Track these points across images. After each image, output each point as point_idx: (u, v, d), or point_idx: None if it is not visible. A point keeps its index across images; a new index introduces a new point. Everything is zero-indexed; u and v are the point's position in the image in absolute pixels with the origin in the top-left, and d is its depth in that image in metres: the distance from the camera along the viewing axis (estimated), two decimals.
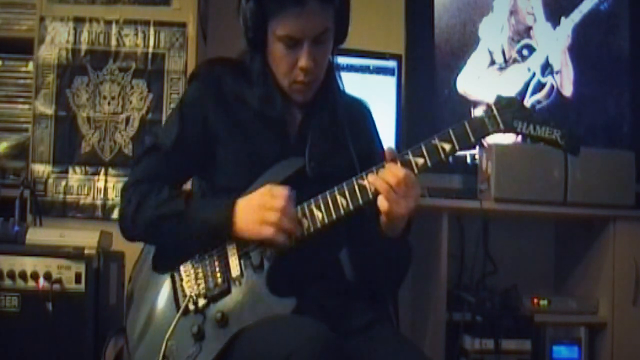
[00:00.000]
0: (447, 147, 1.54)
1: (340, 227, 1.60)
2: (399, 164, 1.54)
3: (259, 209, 1.53)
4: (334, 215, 1.54)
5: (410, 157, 1.55)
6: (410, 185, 1.52)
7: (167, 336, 1.53)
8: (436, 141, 1.54)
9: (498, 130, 1.56)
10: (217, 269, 1.58)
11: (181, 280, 1.60)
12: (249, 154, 1.64)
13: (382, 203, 1.51)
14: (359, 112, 1.80)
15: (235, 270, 1.57)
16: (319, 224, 1.55)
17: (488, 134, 1.56)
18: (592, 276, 3.01)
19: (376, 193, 1.53)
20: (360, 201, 1.54)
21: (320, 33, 1.59)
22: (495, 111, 1.55)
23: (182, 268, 1.61)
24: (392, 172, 1.51)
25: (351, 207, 1.54)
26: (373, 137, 1.80)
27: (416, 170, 1.54)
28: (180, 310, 1.56)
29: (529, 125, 1.55)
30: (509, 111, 1.55)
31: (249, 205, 1.55)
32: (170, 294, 1.61)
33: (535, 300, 2.95)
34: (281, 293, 1.54)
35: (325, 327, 1.44)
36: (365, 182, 1.54)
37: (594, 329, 2.96)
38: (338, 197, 1.54)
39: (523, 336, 2.79)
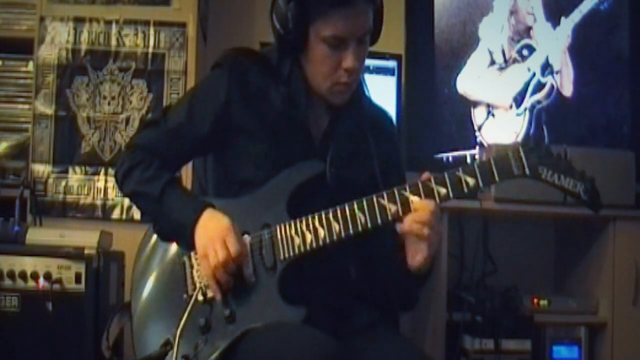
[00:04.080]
0: (471, 181, 1.52)
1: (354, 240, 1.58)
2: (425, 199, 1.52)
3: (211, 241, 1.53)
4: (350, 230, 1.53)
5: (433, 185, 1.53)
6: (438, 219, 1.52)
7: (180, 328, 1.52)
8: (460, 173, 1.52)
9: (523, 175, 1.54)
10: None
11: (192, 267, 1.61)
12: (273, 150, 1.63)
13: (426, 246, 1.51)
14: (383, 123, 1.80)
15: (247, 267, 1.56)
16: (335, 236, 1.54)
17: (513, 177, 1.54)
18: (592, 276, 3.01)
19: (398, 218, 1.52)
20: (379, 220, 1.53)
21: (365, 33, 1.59)
22: (522, 153, 1.53)
23: (193, 255, 1.61)
24: (430, 210, 1.50)
25: (369, 225, 1.53)
26: (395, 150, 1.79)
27: (438, 200, 1.53)
28: (191, 303, 1.55)
29: (553, 174, 1.53)
30: (535, 155, 1.53)
31: (207, 227, 1.55)
32: (180, 280, 1.61)
33: (535, 300, 2.94)
34: (290, 297, 1.53)
35: (332, 341, 1.44)
36: (385, 203, 1.53)
37: (594, 329, 2.96)
38: (357, 212, 1.53)
39: (523, 336, 2.79)
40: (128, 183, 1.65)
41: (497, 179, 1.52)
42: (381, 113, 1.81)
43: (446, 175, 1.52)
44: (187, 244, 1.59)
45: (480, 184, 1.52)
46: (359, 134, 1.68)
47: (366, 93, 1.75)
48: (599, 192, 1.56)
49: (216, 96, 1.65)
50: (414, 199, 1.52)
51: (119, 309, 2.18)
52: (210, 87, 1.68)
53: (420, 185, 1.53)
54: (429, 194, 1.52)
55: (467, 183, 1.51)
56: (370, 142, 1.67)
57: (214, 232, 1.54)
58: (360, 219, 1.53)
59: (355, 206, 1.53)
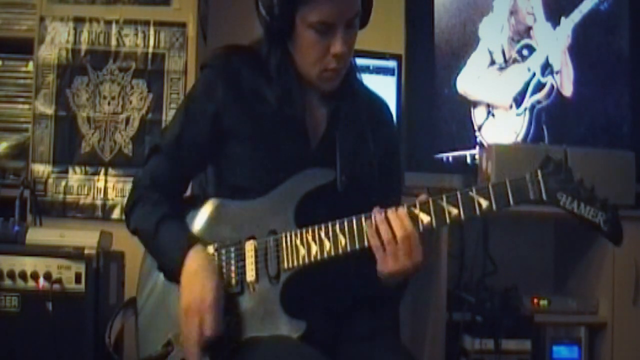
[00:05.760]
0: (484, 204, 1.44)
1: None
2: (407, 218, 1.45)
3: (190, 310, 1.49)
4: (357, 245, 1.48)
5: (444, 204, 1.45)
6: (414, 245, 1.44)
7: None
8: (474, 194, 1.44)
9: (540, 201, 1.43)
10: (233, 269, 1.55)
11: None
12: (267, 153, 1.59)
13: (379, 255, 1.46)
14: (381, 110, 1.77)
15: (250, 275, 1.54)
16: (340, 250, 1.49)
17: (529, 201, 1.44)
18: (592, 276, 3.01)
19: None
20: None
21: (353, 17, 1.54)
22: (540, 177, 1.43)
23: None
24: (401, 224, 1.44)
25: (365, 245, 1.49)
26: (393, 138, 1.77)
27: (448, 221, 1.45)
28: None
29: (573, 201, 1.43)
30: (554, 180, 1.43)
31: (190, 283, 1.51)
32: None
33: (535, 300, 2.94)
34: (291, 308, 1.51)
35: None
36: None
37: (594, 329, 2.96)
38: (364, 227, 1.47)
39: (523, 336, 2.79)
40: (131, 221, 1.66)
41: (512, 202, 1.43)
42: (378, 100, 1.78)
43: (459, 195, 1.44)
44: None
45: (494, 206, 1.43)
46: (359, 129, 1.65)
47: (359, 78, 1.71)
48: (620, 223, 1.47)
49: (211, 97, 1.61)
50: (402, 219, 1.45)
51: (123, 305, 2.17)
52: (204, 88, 1.64)
53: (431, 204, 1.45)
54: (440, 213, 1.45)
55: (479, 204, 1.44)
56: (369, 137, 1.64)
57: (196, 299, 1.48)
58: (367, 234, 1.48)
59: (363, 220, 1.48)
